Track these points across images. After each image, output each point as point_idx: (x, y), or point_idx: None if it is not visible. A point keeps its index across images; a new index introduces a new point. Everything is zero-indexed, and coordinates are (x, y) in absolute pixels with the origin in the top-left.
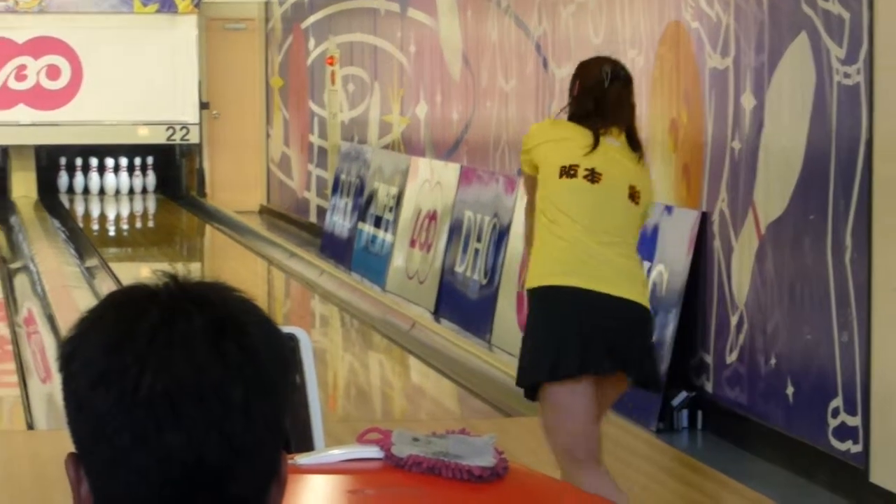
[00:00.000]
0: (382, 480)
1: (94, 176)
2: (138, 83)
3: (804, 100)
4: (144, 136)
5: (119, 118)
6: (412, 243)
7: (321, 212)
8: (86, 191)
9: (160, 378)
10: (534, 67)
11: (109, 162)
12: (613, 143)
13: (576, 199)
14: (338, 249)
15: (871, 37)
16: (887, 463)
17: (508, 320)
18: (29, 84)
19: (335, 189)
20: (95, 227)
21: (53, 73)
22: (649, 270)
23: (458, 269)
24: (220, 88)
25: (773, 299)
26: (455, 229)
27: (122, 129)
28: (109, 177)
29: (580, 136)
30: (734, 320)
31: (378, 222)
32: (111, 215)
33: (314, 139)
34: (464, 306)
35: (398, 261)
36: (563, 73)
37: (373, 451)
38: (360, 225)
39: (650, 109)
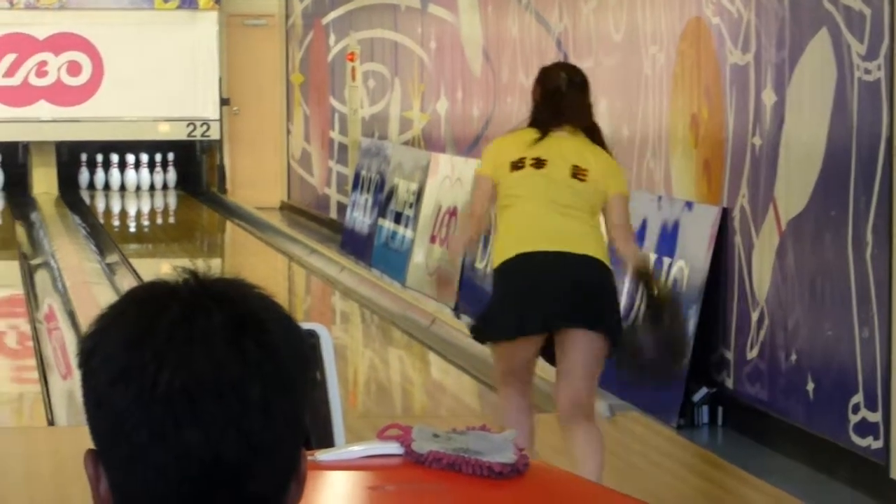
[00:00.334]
0: (402, 477)
1: (114, 172)
2: (159, 79)
3: (825, 96)
4: (165, 132)
5: (139, 114)
6: (432, 239)
7: (341, 208)
8: (106, 187)
9: (179, 374)
10: None
11: (130, 158)
12: (562, 134)
13: (526, 182)
14: (358, 246)
15: (892, 32)
16: None
17: None
18: (50, 80)
19: (355, 185)
20: (116, 223)
21: (74, 69)
22: (670, 266)
23: (479, 265)
24: (240, 85)
25: (794, 295)
26: None
27: (143, 126)
28: (130, 173)
29: (529, 135)
30: (755, 316)
31: (398, 218)
32: (132, 211)
33: (335, 135)
34: (484, 302)
35: (418, 257)
36: (584, 69)
37: (393, 448)
38: (381, 221)
39: (671, 105)
